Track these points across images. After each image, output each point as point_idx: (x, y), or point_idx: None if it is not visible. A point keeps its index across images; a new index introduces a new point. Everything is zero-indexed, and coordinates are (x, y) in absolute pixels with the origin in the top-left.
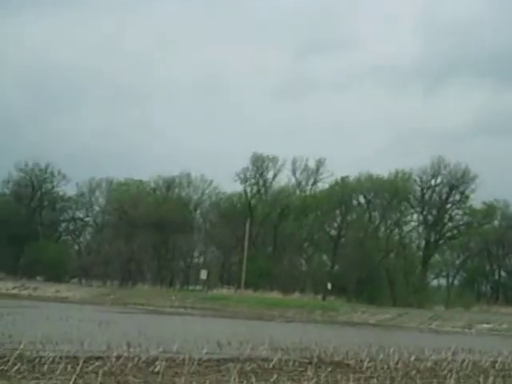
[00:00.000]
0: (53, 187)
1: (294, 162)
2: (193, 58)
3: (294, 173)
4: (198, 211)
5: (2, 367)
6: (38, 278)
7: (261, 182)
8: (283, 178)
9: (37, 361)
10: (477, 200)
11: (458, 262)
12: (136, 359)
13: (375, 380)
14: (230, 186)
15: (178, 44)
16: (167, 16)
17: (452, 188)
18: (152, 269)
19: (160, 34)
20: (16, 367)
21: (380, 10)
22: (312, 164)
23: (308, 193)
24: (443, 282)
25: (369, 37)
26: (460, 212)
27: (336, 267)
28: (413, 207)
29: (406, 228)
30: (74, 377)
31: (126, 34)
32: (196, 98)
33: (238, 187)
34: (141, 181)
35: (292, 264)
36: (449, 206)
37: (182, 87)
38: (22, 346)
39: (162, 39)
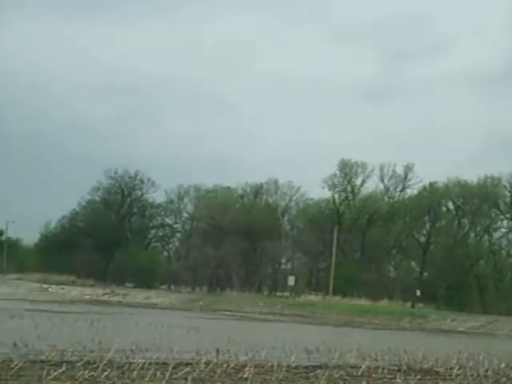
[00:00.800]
0: (142, 194)
1: (381, 168)
2: (273, 62)
3: (381, 179)
4: (286, 217)
5: (92, 373)
6: (128, 284)
7: (349, 189)
8: (371, 184)
9: (126, 367)
10: None
11: None
12: (225, 365)
13: None
14: (318, 192)
15: (262, 49)
16: (247, 19)
17: None
18: (240, 275)
19: (241, 36)
20: (106, 373)
21: (469, 13)
22: (400, 170)
23: (396, 199)
24: None
25: (458, 40)
26: None
27: (425, 274)
28: (503, 213)
29: (496, 234)
30: (163, 383)
31: (207, 38)
32: (282, 103)
33: (326, 193)
34: (229, 187)
35: (380, 271)
36: None
37: (268, 93)
38: (111, 353)
39: (244, 42)
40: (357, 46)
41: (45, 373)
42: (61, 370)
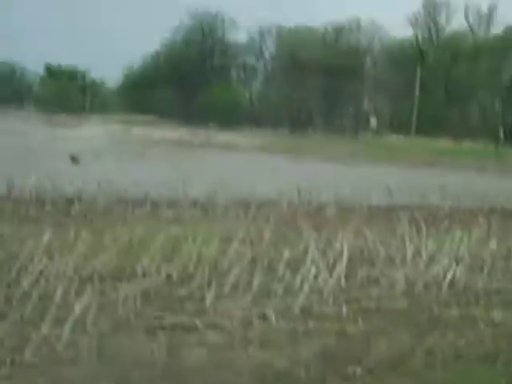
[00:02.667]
0: (223, 34)
1: (466, 7)
2: None
3: (466, 17)
4: (368, 57)
5: (177, 212)
6: (211, 124)
7: (432, 27)
8: (455, 24)
9: (209, 206)
10: None
11: None
12: (307, 205)
13: None
14: (401, 31)
15: None
16: None
17: None
18: (322, 116)
19: None
20: (189, 212)
21: None
22: (485, 9)
23: (481, 38)
24: None
25: None
26: None
27: (508, 115)
28: None
29: None
30: (246, 222)
31: None
32: None
33: (409, 32)
34: (311, 27)
35: (463, 110)
36: None
37: None
38: (195, 192)
39: None
40: None
41: (129, 212)
42: (145, 210)
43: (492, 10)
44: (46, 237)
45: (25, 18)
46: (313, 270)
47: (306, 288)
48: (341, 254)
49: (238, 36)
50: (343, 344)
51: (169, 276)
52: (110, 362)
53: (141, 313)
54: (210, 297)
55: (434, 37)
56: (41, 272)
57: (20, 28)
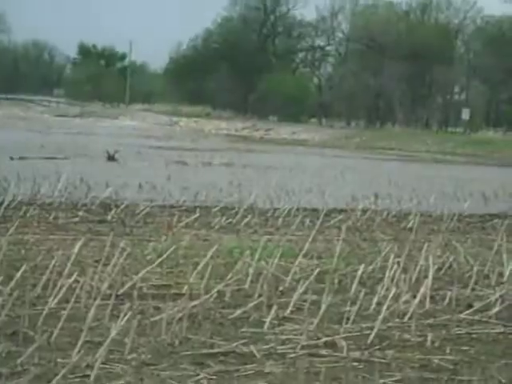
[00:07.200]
0: (288, 10)
1: None
2: None
3: None
4: (460, 38)
5: (230, 220)
6: (271, 117)
7: None
8: None
9: (270, 213)
10: None
11: None
12: (385, 213)
13: None
14: (499, 8)
15: None
16: None
17: None
18: (404, 106)
19: None
20: (246, 220)
21: None
22: None
23: None
24: None
25: None
26: None
27: None
28: None
29: None
30: (313, 232)
31: None
32: None
33: (509, 9)
34: (391, 2)
35: None
36: None
37: None
38: (253, 197)
39: None
40: None
41: (175, 219)
42: (194, 216)
43: None
44: (77, 247)
45: None
46: (392, 290)
47: (384, 311)
48: (426, 270)
49: (307, 13)
50: (427, 378)
51: (221, 295)
52: None
53: (187, 338)
54: (269, 320)
55: None
56: (71, 288)
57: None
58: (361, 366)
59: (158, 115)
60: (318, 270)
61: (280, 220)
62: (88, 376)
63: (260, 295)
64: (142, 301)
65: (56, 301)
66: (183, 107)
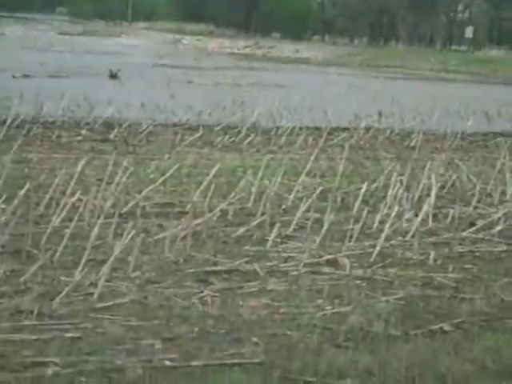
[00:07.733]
0: None
1: None
2: None
3: None
4: None
5: (233, 139)
6: (274, 34)
7: None
8: None
9: (273, 132)
10: None
11: None
12: (388, 131)
13: None
14: None
15: None
16: None
17: None
18: (407, 24)
19: None
20: (249, 139)
21: None
22: None
23: None
24: None
25: None
26: None
27: None
28: None
29: None
30: (316, 151)
31: None
32: None
33: None
34: None
35: None
36: None
37: None
38: (255, 115)
39: None
40: None
41: (178, 138)
42: (197, 135)
43: None
44: (80, 166)
45: None
46: (394, 208)
47: (386, 229)
48: (428, 189)
49: None
50: (429, 296)
51: (224, 213)
52: (153, 315)
53: (191, 256)
54: (272, 238)
55: None
56: (74, 207)
57: None
58: (363, 284)
59: (161, 33)
60: (320, 188)
61: (283, 139)
62: (91, 294)
63: (263, 213)
64: (146, 219)
65: (59, 219)
66: (186, 25)
